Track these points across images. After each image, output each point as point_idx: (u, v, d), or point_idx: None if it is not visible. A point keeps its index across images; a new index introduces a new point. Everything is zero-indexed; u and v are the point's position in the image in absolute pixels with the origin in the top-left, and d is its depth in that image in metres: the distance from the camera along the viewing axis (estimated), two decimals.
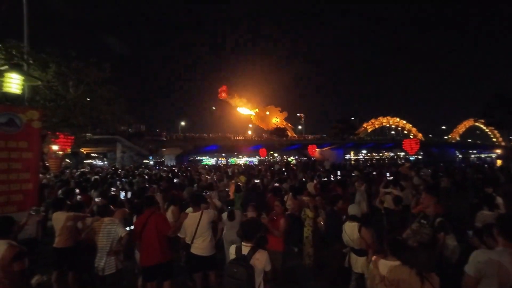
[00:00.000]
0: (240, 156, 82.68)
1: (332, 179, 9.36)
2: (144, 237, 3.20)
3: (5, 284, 2.25)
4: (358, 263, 3.21)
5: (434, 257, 2.00)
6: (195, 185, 7.74)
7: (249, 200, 5.26)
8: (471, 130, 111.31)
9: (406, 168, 10.41)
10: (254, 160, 66.43)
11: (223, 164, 38.30)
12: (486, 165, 17.96)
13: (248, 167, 19.58)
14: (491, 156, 79.02)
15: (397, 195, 4.51)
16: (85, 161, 45.11)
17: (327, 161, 20.84)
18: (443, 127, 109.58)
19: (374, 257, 2.37)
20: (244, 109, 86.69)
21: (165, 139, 45.89)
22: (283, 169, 13.75)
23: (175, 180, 9.25)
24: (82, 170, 18.30)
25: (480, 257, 1.89)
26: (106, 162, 46.38)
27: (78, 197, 5.69)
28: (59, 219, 3.71)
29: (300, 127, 78.70)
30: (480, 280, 1.84)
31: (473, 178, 9.31)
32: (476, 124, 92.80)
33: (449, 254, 2.93)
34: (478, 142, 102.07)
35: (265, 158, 51.65)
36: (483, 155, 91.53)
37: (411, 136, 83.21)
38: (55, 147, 12.24)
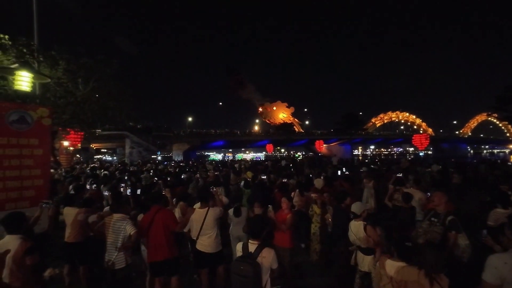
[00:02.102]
0: (247, 152, 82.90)
1: (339, 174, 9.26)
2: (151, 233, 3.22)
3: (18, 277, 2.31)
4: (365, 261, 3.16)
5: (443, 257, 1.93)
6: (199, 180, 7.76)
7: (255, 196, 5.25)
8: (484, 125, 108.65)
9: (407, 162, 10.24)
10: (261, 155, 66.55)
11: (230, 159, 38.49)
12: (498, 161, 17.52)
13: (254, 163, 19.58)
14: (504, 152, 77.04)
15: (407, 192, 4.42)
16: (95, 157, 46.04)
17: (335, 157, 20.60)
18: (454, 122, 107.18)
19: (381, 257, 2.33)
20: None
21: (172, 134, 46.31)
22: (290, 165, 13.68)
23: (182, 176, 9.32)
24: (92, 165, 18.68)
25: (496, 262, 1.79)
26: (115, 158, 47.18)
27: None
28: (70, 214, 3.79)
29: (307, 122, 78.16)
30: (501, 287, 1.75)
31: (486, 175, 9.07)
32: (489, 118, 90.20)
33: (460, 254, 2.86)
34: (491, 137, 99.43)
35: (272, 153, 51.55)
36: (495, 151, 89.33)
37: (421, 131, 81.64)
38: (66, 143, 12.49)
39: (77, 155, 30.08)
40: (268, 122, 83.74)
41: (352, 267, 3.36)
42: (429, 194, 4.60)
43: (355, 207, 3.36)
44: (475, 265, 2.68)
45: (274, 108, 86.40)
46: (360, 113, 53.55)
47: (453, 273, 2.12)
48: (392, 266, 2.06)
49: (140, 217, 3.80)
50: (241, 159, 37.65)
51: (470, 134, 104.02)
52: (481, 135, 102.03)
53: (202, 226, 3.41)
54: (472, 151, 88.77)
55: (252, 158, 50.19)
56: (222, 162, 26.58)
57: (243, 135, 57.93)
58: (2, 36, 7.28)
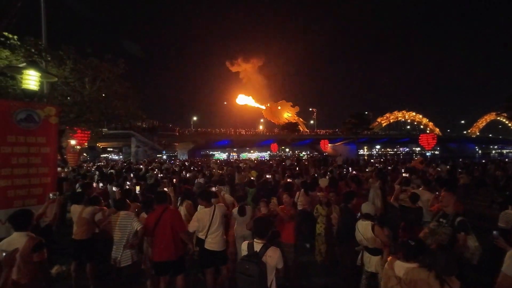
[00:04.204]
0: (252, 151, 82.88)
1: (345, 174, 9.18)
2: (157, 232, 3.21)
3: (26, 273, 2.34)
4: (371, 262, 3.12)
5: (454, 259, 1.89)
6: (202, 179, 7.77)
7: (260, 195, 5.23)
8: (492, 125, 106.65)
9: (419, 163, 10.10)
10: (265, 155, 66.44)
11: (235, 158, 38.52)
12: (507, 159, 17.18)
13: (259, 162, 19.58)
14: None
15: (414, 192, 4.35)
16: (101, 155, 46.60)
17: (340, 157, 20.42)
18: (462, 122, 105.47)
19: (389, 258, 2.29)
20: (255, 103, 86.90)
21: (177, 134, 46.59)
22: (295, 164, 13.62)
23: (187, 175, 9.35)
24: (98, 164, 18.91)
25: None
26: (121, 156, 47.67)
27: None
28: (76, 211, 3.83)
29: (312, 121, 77.77)
30: None
31: (495, 175, 8.90)
32: (498, 118, 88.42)
33: (470, 255, 2.80)
34: (500, 137, 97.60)
35: (276, 153, 51.37)
36: (504, 151, 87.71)
37: (428, 131, 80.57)
38: (73, 142, 12.63)
39: (84, 154, 30.50)
40: (272, 121, 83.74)
41: (358, 267, 3.32)
42: (437, 193, 4.52)
43: (366, 208, 3.28)
44: (484, 267, 2.62)
45: (279, 107, 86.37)
46: (366, 113, 53.04)
47: (462, 275, 2.07)
48: (401, 267, 2.03)
49: (143, 215, 3.81)
50: (246, 158, 37.65)
51: (478, 134, 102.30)
52: (490, 135, 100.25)
53: (210, 225, 3.40)
54: (480, 151, 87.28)
55: (257, 158, 50.15)
56: (227, 161, 26.62)
57: (247, 134, 57.98)
58: (11, 36, 7.39)
